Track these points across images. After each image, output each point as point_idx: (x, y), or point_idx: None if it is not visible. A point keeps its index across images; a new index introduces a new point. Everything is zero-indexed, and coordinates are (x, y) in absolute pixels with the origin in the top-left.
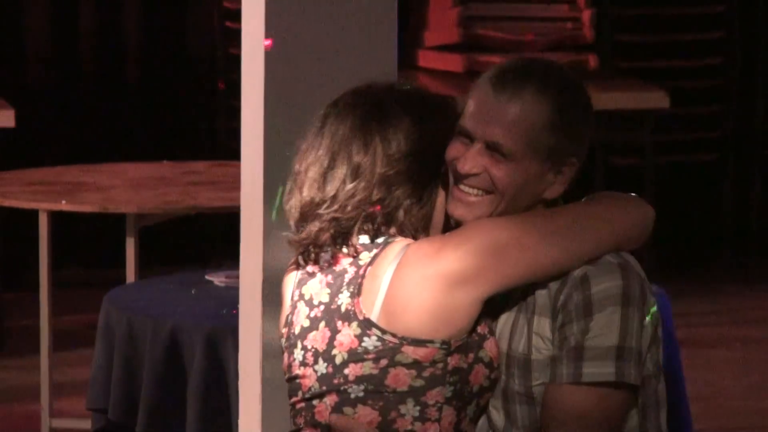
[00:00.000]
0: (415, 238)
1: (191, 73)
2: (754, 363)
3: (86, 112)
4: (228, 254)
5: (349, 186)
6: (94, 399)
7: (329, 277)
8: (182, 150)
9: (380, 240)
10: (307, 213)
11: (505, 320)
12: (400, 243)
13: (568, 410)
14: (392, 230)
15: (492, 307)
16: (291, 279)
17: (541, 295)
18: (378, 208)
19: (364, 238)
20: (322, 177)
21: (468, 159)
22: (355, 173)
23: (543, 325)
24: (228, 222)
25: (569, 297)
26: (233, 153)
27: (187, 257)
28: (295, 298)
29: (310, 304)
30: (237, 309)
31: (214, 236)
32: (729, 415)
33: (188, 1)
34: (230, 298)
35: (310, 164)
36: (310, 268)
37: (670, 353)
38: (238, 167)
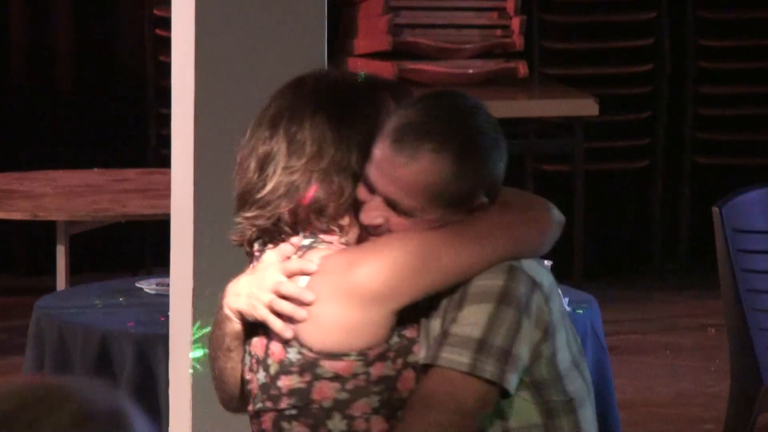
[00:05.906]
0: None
1: (121, 81)
2: (684, 370)
3: (17, 120)
4: (158, 262)
5: (335, 182)
6: None
7: None
8: (113, 157)
9: (306, 242)
10: (286, 194)
11: (420, 325)
12: (319, 251)
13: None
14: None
15: (417, 311)
16: None
17: (441, 298)
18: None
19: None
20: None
21: (370, 210)
22: (339, 168)
23: (435, 326)
24: (158, 229)
25: (454, 295)
26: (163, 160)
27: (118, 265)
28: None
29: None
30: (167, 316)
31: (144, 244)
32: (658, 422)
33: (118, 8)
34: (161, 305)
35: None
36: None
37: (600, 360)
38: (169, 175)
